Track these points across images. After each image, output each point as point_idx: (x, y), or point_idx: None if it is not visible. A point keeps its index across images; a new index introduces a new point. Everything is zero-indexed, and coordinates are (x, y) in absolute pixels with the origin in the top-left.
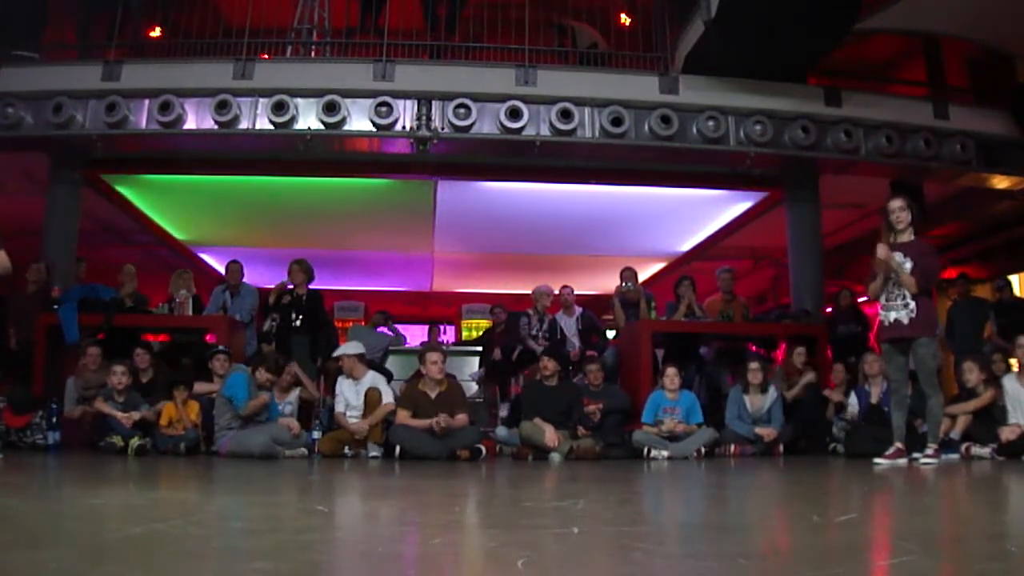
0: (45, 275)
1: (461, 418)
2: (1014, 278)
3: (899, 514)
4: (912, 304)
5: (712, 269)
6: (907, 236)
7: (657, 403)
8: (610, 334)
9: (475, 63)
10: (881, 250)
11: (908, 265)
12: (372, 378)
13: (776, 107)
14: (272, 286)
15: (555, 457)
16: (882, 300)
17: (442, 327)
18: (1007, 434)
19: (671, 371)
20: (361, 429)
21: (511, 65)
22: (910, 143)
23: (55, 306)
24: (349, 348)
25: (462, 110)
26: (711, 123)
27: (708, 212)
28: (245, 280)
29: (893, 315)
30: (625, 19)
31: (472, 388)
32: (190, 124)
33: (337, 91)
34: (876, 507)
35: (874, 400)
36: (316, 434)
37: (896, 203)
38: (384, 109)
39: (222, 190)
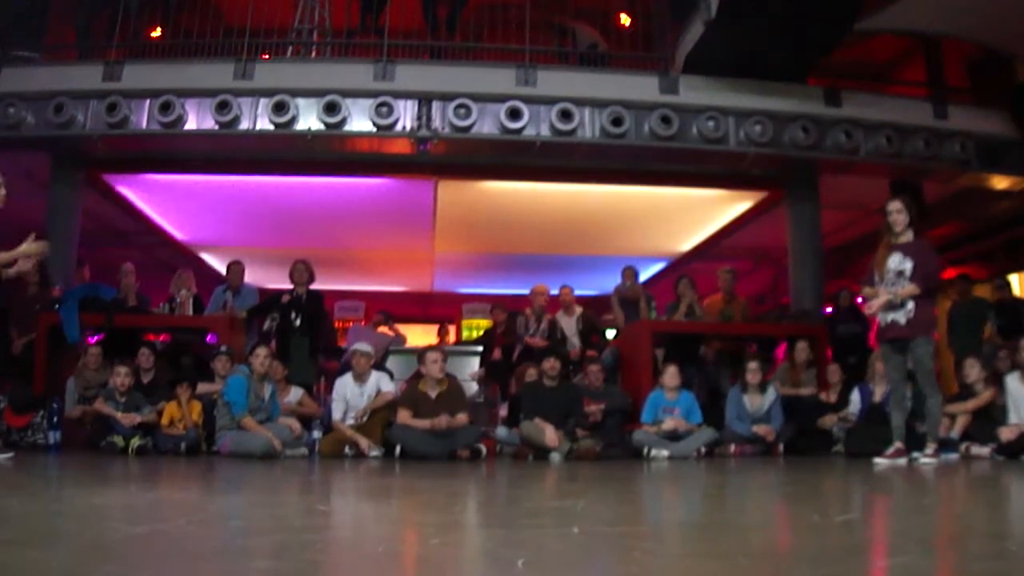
0: (37, 276)
1: (461, 418)
2: (1014, 278)
3: (899, 514)
4: (910, 305)
5: (712, 269)
6: (907, 237)
7: (657, 403)
8: (610, 334)
9: (475, 63)
10: (872, 307)
11: (908, 265)
12: (377, 378)
13: (776, 107)
14: (272, 286)
15: (555, 457)
16: None
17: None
18: (1007, 434)
19: (672, 369)
20: (364, 447)
21: (511, 65)
22: (910, 143)
23: (56, 306)
24: (363, 346)
25: (462, 110)
26: (711, 123)
27: (708, 212)
28: (246, 280)
29: (891, 316)
30: (625, 19)
31: (472, 388)
32: (191, 124)
33: (337, 91)
34: (876, 507)
35: (877, 399)
36: (316, 434)
37: (893, 205)
38: (384, 109)
39: (222, 190)
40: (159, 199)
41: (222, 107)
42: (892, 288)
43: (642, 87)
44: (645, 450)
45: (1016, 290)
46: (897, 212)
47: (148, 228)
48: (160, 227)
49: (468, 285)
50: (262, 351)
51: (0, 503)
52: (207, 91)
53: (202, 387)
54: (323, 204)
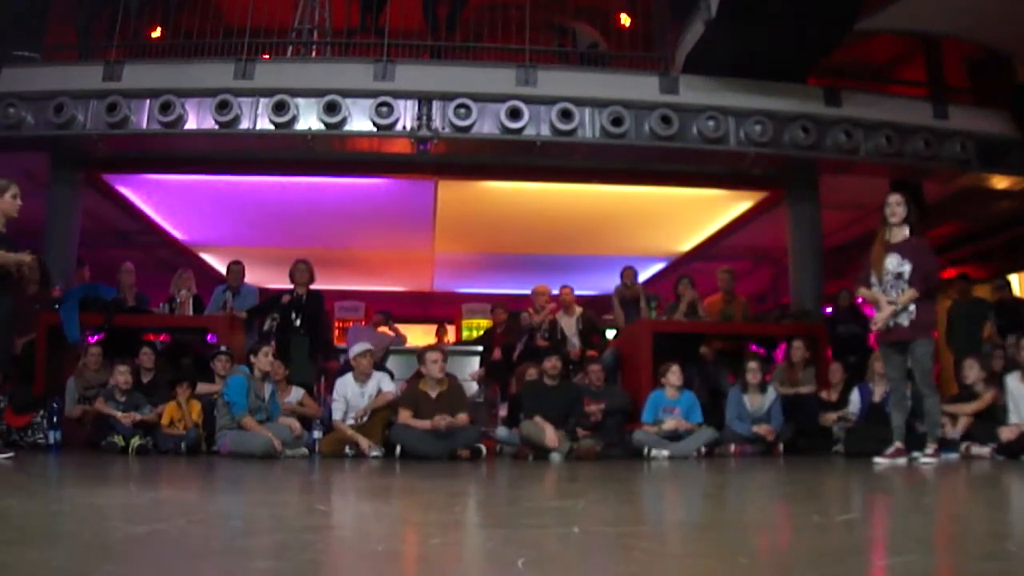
0: (37, 275)
1: (461, 418)
2: (1014, 278)
3: (899, 514)
4: (912, 306)
5: (712, 269)
6: (901, 232)
7: (657, 403)
8: (610, 334)
9: (475, 63)
10: (878, 321)
11: (907, 268)
12: (377, 378)
13: (776, 107)
14: (272, 286)
15: (555, 457)
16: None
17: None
18: (1007, 434)
19: (675, 368)
20: (364, 447)
21: (511, 65)
22: (910, 143)
23: (56, 306)
24: (361, 347)
25: (462, 110)
26: (711, 123)
27: (708, 212)
28: (246, 280)
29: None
30: (625, 19)
31: (472, 388)
32: (191, 124)
33: (338, 91)
34: (876, 506)
35: (877, 398)
36: (317, 434)
37: (893, 197)
38: (385, 109)
39: (222, 190)
40: (159, 199)
41: (222, 107)
42: (892, 291)
43: (642, 87)
44: (645, 450)
45: (1016, 290)
46: (896, 204)
47: (148, 228)
48: (160, 227)
49: (468, 285)
50: (267, 350)
51: (0, 503)
52: (207, 91)
53: (202, 387)
54: (323, 204)
